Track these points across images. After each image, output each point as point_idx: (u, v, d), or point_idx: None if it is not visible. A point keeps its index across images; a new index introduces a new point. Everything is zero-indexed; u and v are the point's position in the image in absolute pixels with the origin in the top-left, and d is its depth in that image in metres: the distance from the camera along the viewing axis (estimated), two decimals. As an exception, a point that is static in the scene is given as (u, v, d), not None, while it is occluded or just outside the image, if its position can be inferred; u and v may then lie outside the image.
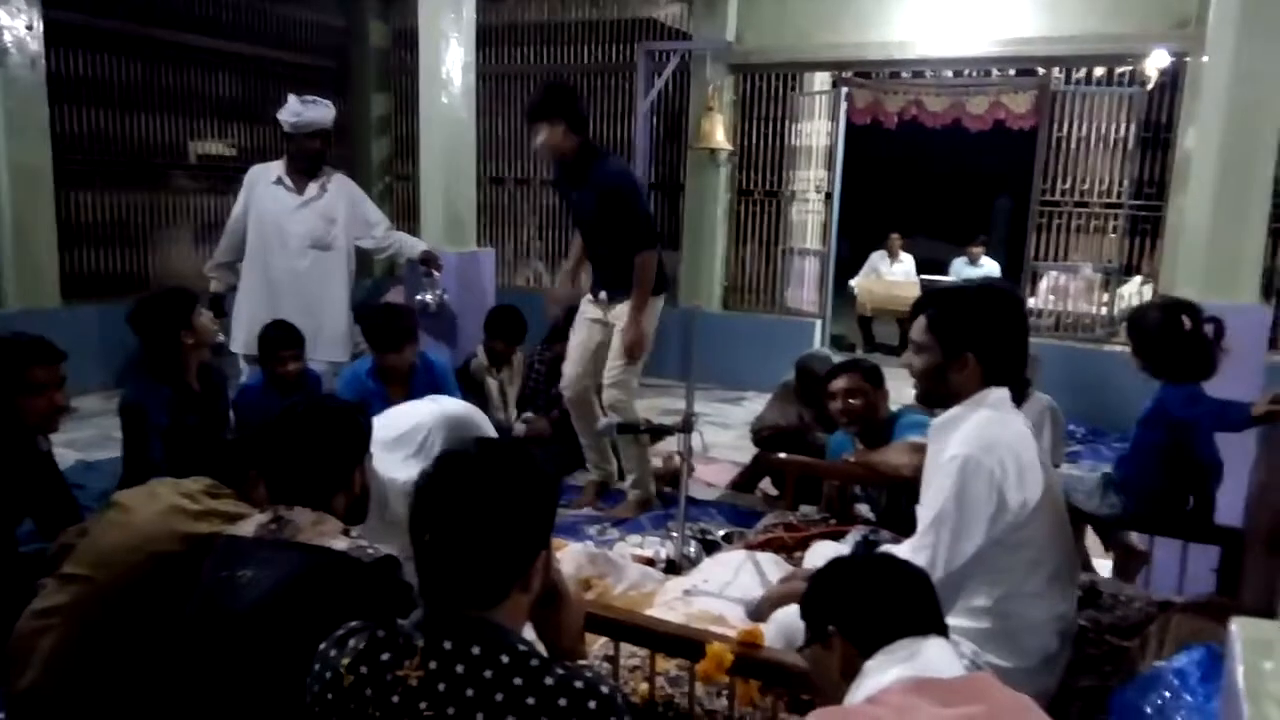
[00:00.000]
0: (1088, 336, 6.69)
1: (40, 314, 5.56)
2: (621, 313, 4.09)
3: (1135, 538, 3.29)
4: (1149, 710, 1.69)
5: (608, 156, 4.16)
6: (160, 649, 1.73)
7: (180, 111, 7.34)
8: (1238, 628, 1.16)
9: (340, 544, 1.68)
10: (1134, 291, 6.62)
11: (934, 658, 1.42)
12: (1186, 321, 2.66)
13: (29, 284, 5.90)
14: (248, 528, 1.74)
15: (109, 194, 6.92)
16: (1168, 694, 1.67)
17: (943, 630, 1.50)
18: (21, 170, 5.78)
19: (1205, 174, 3.70)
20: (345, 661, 1.30)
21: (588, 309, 4.29)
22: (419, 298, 4.79)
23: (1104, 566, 3.33)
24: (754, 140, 7.42)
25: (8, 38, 5.64)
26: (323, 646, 1.35)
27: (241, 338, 4.25)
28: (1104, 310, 6.72)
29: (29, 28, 5.69)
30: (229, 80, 7.65)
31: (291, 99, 4.20)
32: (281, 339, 3.79)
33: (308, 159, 4.23)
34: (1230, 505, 2.79)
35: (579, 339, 4.29)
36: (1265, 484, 2.55)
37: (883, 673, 1.40)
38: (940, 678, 1.36)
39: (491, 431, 2.97)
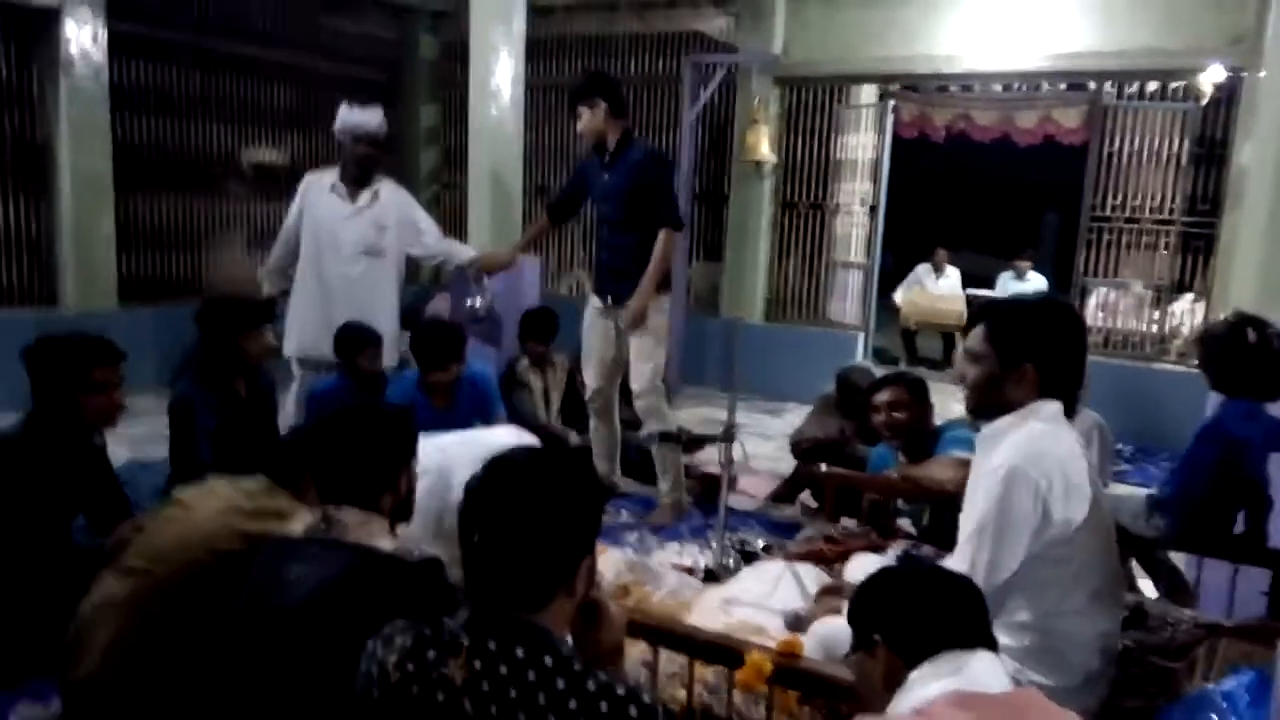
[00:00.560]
0: (1137, 354, 6.58)
1: (97, 315, 5.71)
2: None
3: (1181, 566, 3.21)
4: (1196, 733, 1.67)
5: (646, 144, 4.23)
6: (213, 644, 1.77)
7: (235, 120, 7.51)
8: (1289, 650, 1.14)
9: (386, 544, 1.71)
10: (1185, 309, 6.49)
11: (981, 672, 1.40)
12: (1251, 335, 2.62)
13: (88, 285, 6.10)
14: (297, 527, 1.78)
15: (166, 200, 7.10)
16: (1215, 716, 1.64)
17: (991, 644, 1.49)
18: (84, 176, 5.97)
19: (1261, 190, 3.64)
20: (392, 659, 1.32)
21: (595, 319, 4.24)
22: (467, 302, 4.85)
23: (1148, 587, 3.26)
24: (799, 153, 7.40)
25: (74, 49, 5.83)
26: (369, 644, 1.37)
27: (294, 342, 4.32)
28: (1154, 328, 6.60)
29: (94, 39, 5.88)
30: (283, 91, 7.81)
31: (343, 106, 4.28)
32: (364, 337, 3.95)
33: (360, 167, 4.30)
34: (1282, 528, 2.73)
35: (595, 352, 4.24)
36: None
37: (926, 685, 1.39)
38: (986, 692, 1.35)
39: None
